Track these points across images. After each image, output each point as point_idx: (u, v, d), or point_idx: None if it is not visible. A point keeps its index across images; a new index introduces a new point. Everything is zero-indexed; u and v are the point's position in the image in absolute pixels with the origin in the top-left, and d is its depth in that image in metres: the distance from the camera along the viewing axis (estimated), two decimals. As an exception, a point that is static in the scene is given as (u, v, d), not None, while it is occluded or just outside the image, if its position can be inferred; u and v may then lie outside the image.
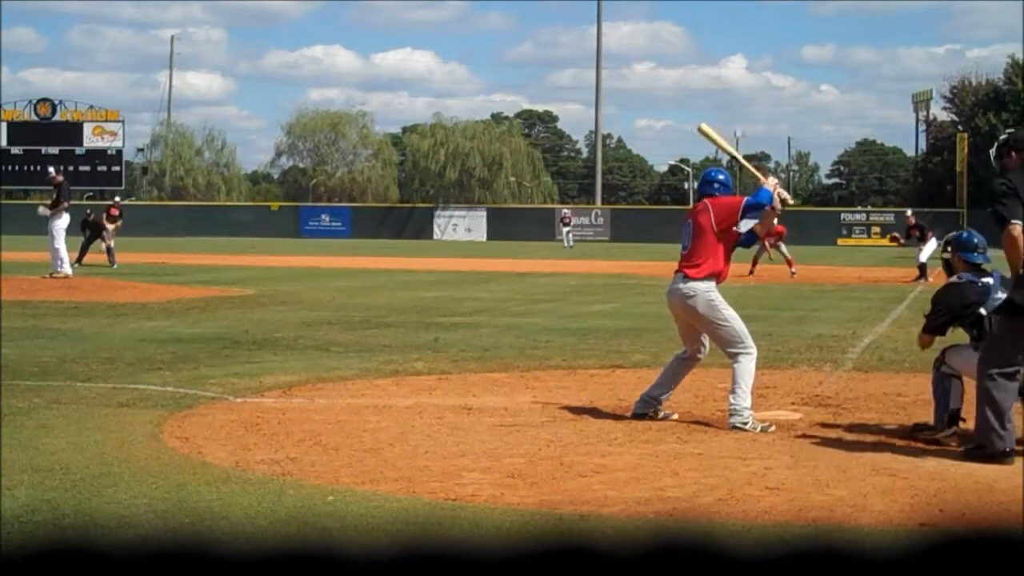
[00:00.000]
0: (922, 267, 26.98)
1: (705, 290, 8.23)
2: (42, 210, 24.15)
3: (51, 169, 25.84)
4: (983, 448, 7.01)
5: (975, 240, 8.08)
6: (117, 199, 42.69)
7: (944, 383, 7.76)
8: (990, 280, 7.77)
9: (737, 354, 8.18)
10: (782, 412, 8.64)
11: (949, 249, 8.13)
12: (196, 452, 7.06)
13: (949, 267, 8.13)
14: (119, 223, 38.00)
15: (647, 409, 8.38)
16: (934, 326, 7.94)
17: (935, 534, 5.42)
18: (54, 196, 23.94)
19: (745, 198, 8.48)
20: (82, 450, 6.98)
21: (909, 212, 32.85)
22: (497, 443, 7.42)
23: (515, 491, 6.14)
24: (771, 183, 8.48)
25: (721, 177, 8.72)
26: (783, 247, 28.60)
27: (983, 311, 7.62)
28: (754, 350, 8.27)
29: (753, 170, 8.80)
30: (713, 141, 9.29)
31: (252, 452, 7.08)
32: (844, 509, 5.83)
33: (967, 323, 7.76)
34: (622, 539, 5.15)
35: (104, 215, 37.59)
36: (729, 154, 9.30)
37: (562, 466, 6.74)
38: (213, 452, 7.06)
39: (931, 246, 27.65)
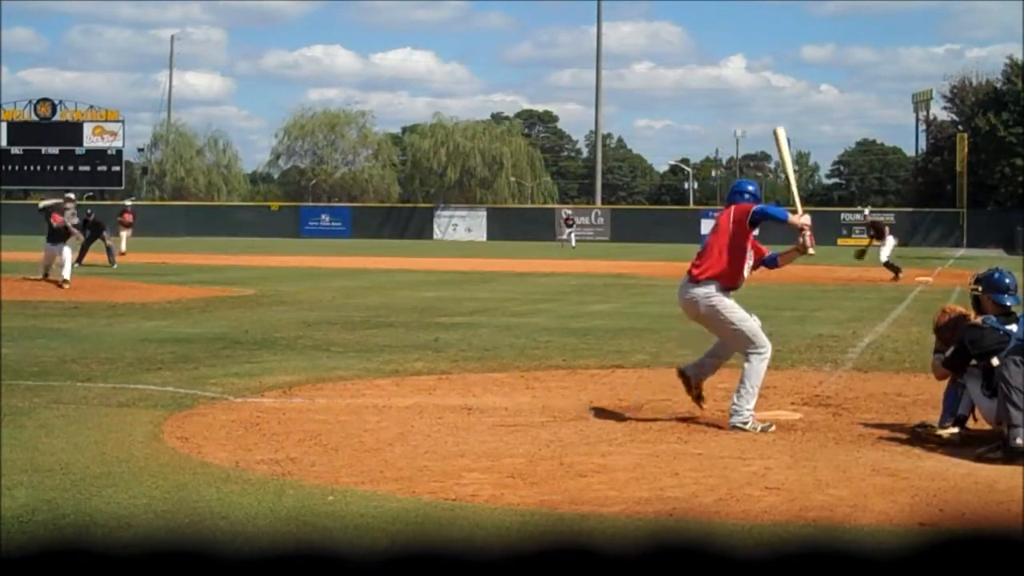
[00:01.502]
0: (888, 265, 27.15)
1: (704, 295, 8.21)
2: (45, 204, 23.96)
3: (70, 195, 25.50)
4: (1006, 444, 7.01)
5: (1007, 281, 7.84)
6: (129, 203, 42.86)
7: (956, 391, 7.72)
8: (1014, 328, 7.54)
9: (749, 354, 8.18)
10: (782, 412, 8.64)
11: (980, 288, 7.89)
12: (196, 452, 7.06)
13: (978, 304, 7.90)
14: (131, 228, 38.13)
15: (693, 371, 8.46)
16: (954, 365, 7.76)
17: (935, 534, 5.42)
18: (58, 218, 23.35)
19: (760, 205, 8.41)
20: (82, 450, 6.98)
21: (867, 211, 32.71)
22: (497, 443, 7.42)
23: (515, 491, 6.14)
24: (802, 219, 8.38)
25: (751, 188, 8.74)
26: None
27: (995, 361, 7.41)
28: (768, 350, 8.24)
29: (796, 195, 8.69)
30: (779, 149, 9.08)
31: (252, 452, 7.08)
32: (844, 509, 5.83)
33: (979, 366, 7.64)
34: (622, 539, 5.15)
35: (117, 221, 37.78)
36: (784, 169, 9.02)
37: (562, 466, 6.74)
38: (213, 452, 7.06)
39: (891, 244, 27.84)
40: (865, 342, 13.78)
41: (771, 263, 8.69)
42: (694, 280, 8.27)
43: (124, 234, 37.10)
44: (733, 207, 8.37)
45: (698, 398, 8.49)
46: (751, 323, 8.27)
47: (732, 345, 8.34)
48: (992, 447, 7.13)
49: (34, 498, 5.79)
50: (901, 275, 26.44)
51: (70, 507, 5.66)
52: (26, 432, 7.51)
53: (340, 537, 5.22)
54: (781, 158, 9.04)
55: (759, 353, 8.17)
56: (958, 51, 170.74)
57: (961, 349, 7.68)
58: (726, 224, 8.28)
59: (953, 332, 7.87)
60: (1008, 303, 7.76)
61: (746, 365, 8.15)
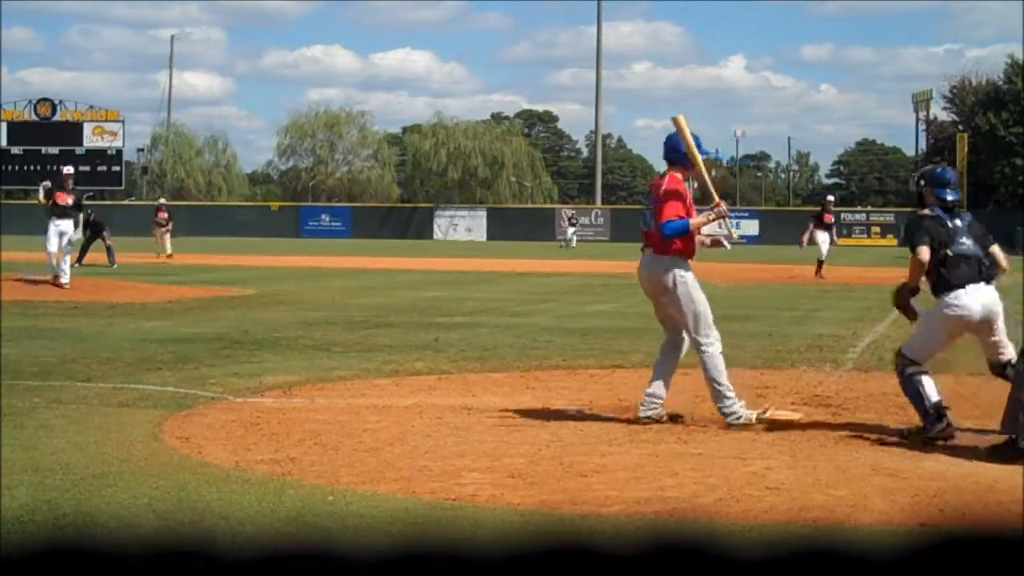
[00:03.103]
0: (821, 261, 27.41)
1: (676, 266, 8.18)
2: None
3: (67, 168, 24.13)
4: (1015, 445, 6.98)
5: (948, 175, 8.16)
6: (163, 201, 42.96)
7: (912, 383, 7.74)
8: (959, 222, 7.85)
9: (699, 342, 8.11)
10: (782, 412, 8.63)
11: (922, 182, 8.18)
12: (196, 452, 7.06)
13: (921, 200, 8.16)
14: (170, 226, 38.19)
15: (652, 412, 8.32)
16: (918, 240, 7.81)
17: (935, 534, 5.42)
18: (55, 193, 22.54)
19: (663, 224, 8.10)
20: (82, 450, 6.98)
21: (831, 198, 32.10)
22: (497, 443, 7.41)
23: (515, 491, 6.13)
24: (713, 212, 8.32)
25: (684, 149, 8.33)
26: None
27: (950, 252, 7.69)
28: (716, 339, 8.16)
29: (712, 188, 8.59)
30: (682, 135, 8.39)
31: (252, 452, 7.07)
32: (844, 509, 5.83)
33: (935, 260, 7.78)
34: (622, 539, 5.15)
35: (153, 222, 37.87)
36: (692, 158, 8.36)
37: (562, 466, 6.74)
38: (213, 452, 7.06)
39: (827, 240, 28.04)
40: (865, 342, 13.77)
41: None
42: (660, 254, 8.23)
43: (164, 235, 37.15)
44: (667, 178, 8.24)
45: (673, 416, 8.41)
46: (706, 307, 8.22)
47: (685, 323, 8.22)
48: (1000, 445, 7.07)
49: (34, 498, 5.79)
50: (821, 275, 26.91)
51: (70, 507, 5.66)
52: (26, 432, 7.51)
53: (340, 537, 5.22)
54: (686, 145, 8.34)
55: (708, 341, 8.09)
56: (957, 51, 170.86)
57: (921, 228, 7.86)
58: (659, 198, 8.21)
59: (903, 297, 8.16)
60: (949, 197, 7.99)
61: (705, 371, 8.11)
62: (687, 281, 8.18)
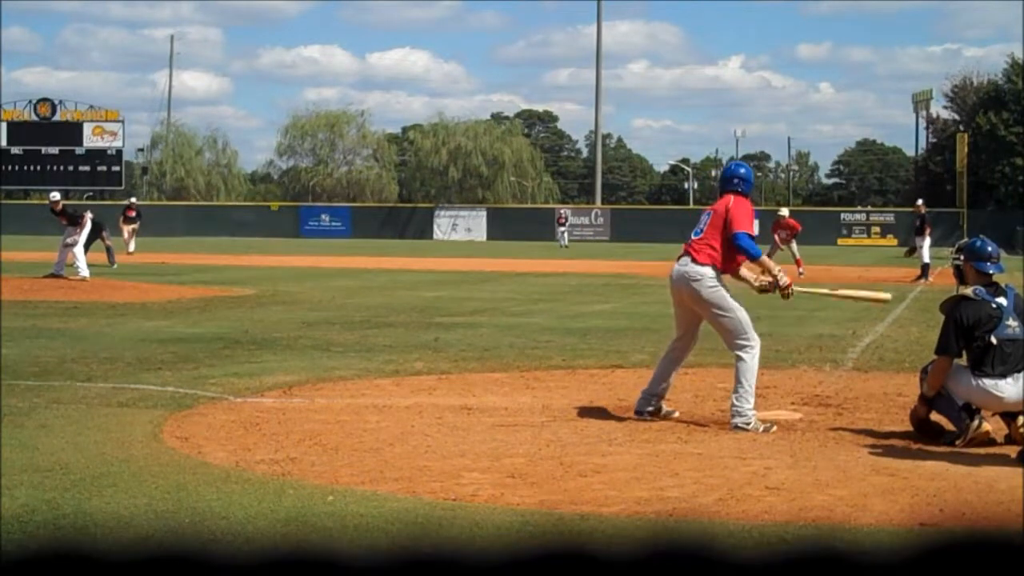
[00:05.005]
0: (925, 267, 26.92)
1: (710, 275, 8.20)
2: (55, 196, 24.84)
3: (55, 195, 25.28)
4: None
5: (989, 249, 7.69)
6: (133, 200, 42.98)
7: (941, 399, 7.57)
8: (1004, 301, 7.44)
9: (741, 346, 8.12)
10: (782, 412, 8.63)
11: (961, 257, 7.77)
12: (196, 452, 7.06)
13: (960, 274, 7.81)
14: (137, 224, 38.32)
15: (648, 407, 8.37)
16: (949, 344, 7.49)
17: (935, 534, 5.42)
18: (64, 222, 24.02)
19: (740, 234, 8.20)
20: (82, 450, 6.98)
21: (920, 201, 31.97)
22: (497, 443, 7.41)
23: (515, 491, 6.13)
24: (778, 276, 8.51)
25: (742, 171, 8.63)
26: (794, 245, 28.42)
27: (993, 339, 7.31)
28: (757, 344, 8.18)
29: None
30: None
31: (252, 452, 7.07)
32: (844, 509, 5.83)
33: (973, 346, 7.43)
34: (622, 539, 5.15)
35: (121, 217, 38.00)
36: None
37: (562, 466, 6.74)
38: (213, 452, 7.06)
39: (928, 242, 27.48)
40: (865, 342, 13.77)
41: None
42: (696, 262, 8.24)
43: (128, 229, 37.32)
44: (732, 199, 8.34)
45: (666, 414, 8.41)
46: (744, 313, 8.25)
47: (723, 331, 8.27)
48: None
49: (34, 498, 5.79)
50: (926, 281, 26.08)
51: (70, 507, 5.66)
52: (26, 432, 7.51)
53: (340, 537, 5.22)
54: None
55: (750, 346, 8.12)
56: (955, 51, 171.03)
57: (954, 324, 7.49)
58: (723, 213, 8.28)
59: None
60: (991, 271, 7.61)
61: (739, 364, 8.09)
62: (720, 289, 8.21)
